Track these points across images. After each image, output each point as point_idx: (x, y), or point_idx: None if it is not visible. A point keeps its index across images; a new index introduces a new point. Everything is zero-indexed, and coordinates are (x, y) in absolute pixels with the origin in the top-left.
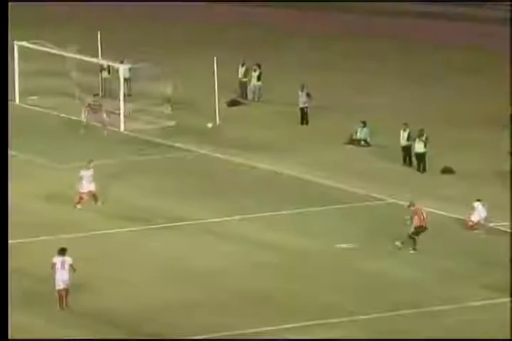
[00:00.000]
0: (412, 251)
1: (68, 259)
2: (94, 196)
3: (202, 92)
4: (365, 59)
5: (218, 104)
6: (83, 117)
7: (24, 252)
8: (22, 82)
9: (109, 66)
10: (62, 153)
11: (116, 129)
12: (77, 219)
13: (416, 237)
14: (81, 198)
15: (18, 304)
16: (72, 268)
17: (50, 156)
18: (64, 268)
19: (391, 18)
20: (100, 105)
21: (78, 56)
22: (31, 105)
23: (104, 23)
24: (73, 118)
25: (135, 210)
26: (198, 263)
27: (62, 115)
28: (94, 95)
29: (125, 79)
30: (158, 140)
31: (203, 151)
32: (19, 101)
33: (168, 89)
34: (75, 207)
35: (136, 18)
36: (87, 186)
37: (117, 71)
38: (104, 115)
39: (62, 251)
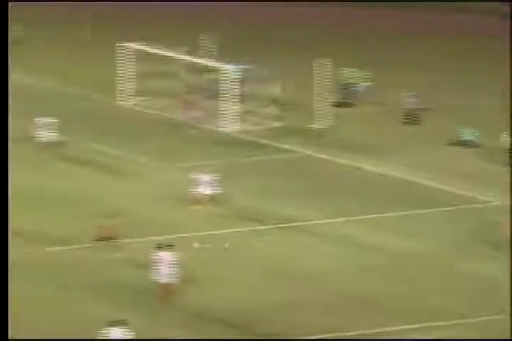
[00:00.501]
0: None
1: (171, 255)
2: (209, 199)
3: (308, 93)
4: (470, 59)
5: (324, 105)
6: (180, 115)
7: (134, 252)
8: (130, 83)
9: (217, 67)
10: (169, 154)
11: (223, 130)
12: (184, 220)
13: None
14: (196, 200)
15: (128, 303)
16: (175, 265)
17: (157, 156)
18: (167, 264)
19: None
20: (194, 103)
21: (187, 57)
22: (138, 106)
23: (212, 24)
24: (180, 119)
25: (241, 211)
26: (302, 263)
27: (170, 115)
28: (188, 93)
29: (233, 81)
30: (264, 141)
31: (308, 152)
32: (125, 102)
33: (275, 91)
34: (191, 208)
35: (245, 18)
36: (203, 188)
37: (225, 72)
38: (198, 113)
39: (166, 247)
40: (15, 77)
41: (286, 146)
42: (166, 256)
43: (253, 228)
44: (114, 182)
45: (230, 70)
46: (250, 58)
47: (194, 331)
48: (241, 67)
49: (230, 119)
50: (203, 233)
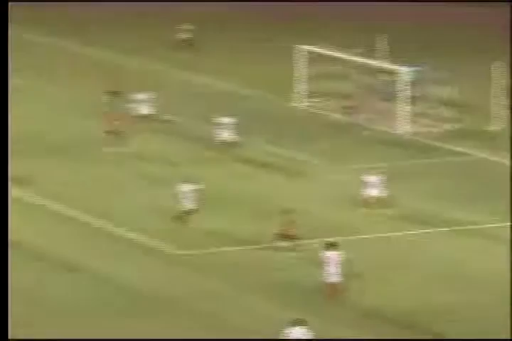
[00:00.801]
0: None
1: (339, 254)
2: (380, 201)
3: (484, 95)
4: None
5: (500, 107)
6: (352, 117)
7: (308, 252)
8: (304, 84)
9: (390, 69)
10: (341, 155)
11: (396, 132)
12: (355, 221)
13: None
14: (367, 201)
15: (298, 302)
16: (343, 263)
17: (329, 158)
18: (334, 262)
19: None
20: (356, 107)
21: (360, 59)
22: (315, 108)
23: (383, 25)
24: (352, 120)
25: (412, 213)
26: (477, 266)
27: (342, 117)
28: (348, 97)
29: (407, 82)
30: (437, 143)
31: (482, 155)
32: (303, 105)
33: (449, 92)
34: (361, 209)
35: (416, 19)
36: (372, 191)
37: (398, 74)
38: (371, 115)
39: (333, 246)
40: (189, 77)
41: (459, 149)
42: (333, 255)
43: (424, 230)
44: (287, 183)
45: (404, 72)
46: (424, 60)
47: (366, 331)
48: (415, 68)
49: (402, 121)
50: (375, 235)
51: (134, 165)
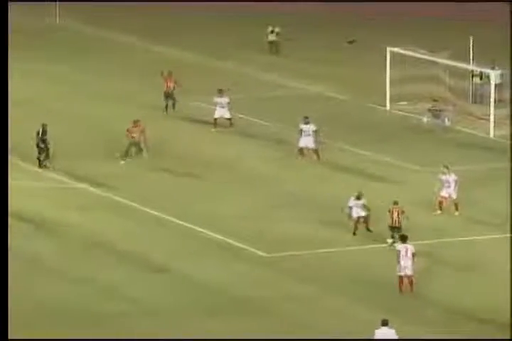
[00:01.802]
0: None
1: (411, 247)
2: (455, 204)
3: None
4: None
5: None
6: (424, 121)
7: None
8: (393, 87)
9: (481, 72)
10: (424, 158)
11: (484, 135)
12: (437, 225)
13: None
14: (440, 203)
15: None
16: (415, 257)
17: (412, 160)
18: (407, 255)
19: None
20: (441, 110)
21: (449, 62)
22: (401, 110)
23: (476, 28)
24: (437, 123)
25: (498, 217)
26: None
27: (428, 119)
28: (433, 100)
29: (496, 85)
30: None
31: None
32: (389, 107)
33: None
34: (435, 213)
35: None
36: (448, 191)
37: (488, 76)
38: (446, 119)
39: (404, 238)
40: (275, 80)
41: None
42: (404, 248)
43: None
44: (371, 185)
45: (494, 74)
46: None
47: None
48: (504, 71)
49: (491, 124)
50: (458, 238)
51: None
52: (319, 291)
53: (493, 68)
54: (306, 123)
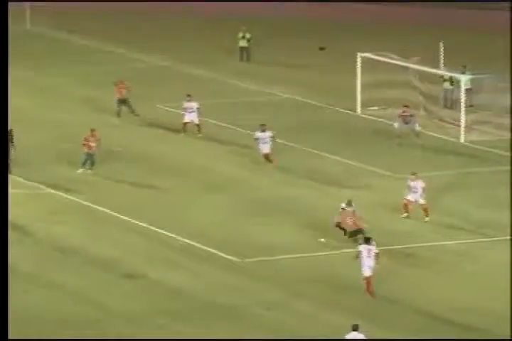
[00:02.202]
0: None
1: (373, 248)
2: (424, 209)
3: None
4: None
5: None
6: (395, 126)
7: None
8: (364, 93)
9: (451, 77)
10: (396, 163)
11: (454, 140)
12: (406, 230)
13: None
14: (405, 205)
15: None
16: (378, 257)
17: (384, 166)
18: (370, 256)
19: None
20: (412, 115)
21: (420, 67)
22: (371, 115)
23: (445, 33)
24: (408, 128)
25: (466, 222)
26: None
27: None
28: (404, 106)
29: (466, 90)
30: (496, 151)
31: None
32: (360, 112)
33: (509, 100)
34: (401, 216)
35: (478, 26)
36: (414, 197)
37: (459, 81)
38: (417, 125)
39: (368, 240)
40: (246, 86)
41: None
42: (367, 249)
43: (478, 240)
44: (339, 192)
45: (465, 80)
46: (487, 67)
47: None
48: (476, 76)
49: (463, 129)
50: (426, 244)
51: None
52: (290, 296)
53: (463, 73)
54: (263, 131)
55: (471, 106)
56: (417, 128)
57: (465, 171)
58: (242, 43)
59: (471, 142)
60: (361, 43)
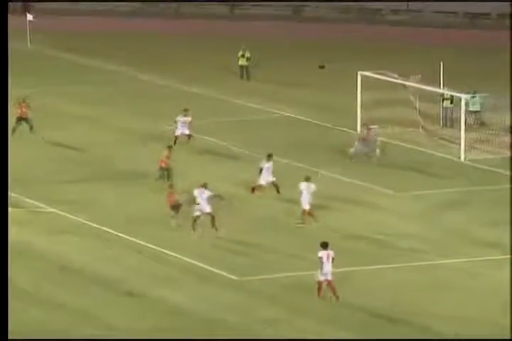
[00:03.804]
0: None
1: (332, 252)
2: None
3: None
4: None
5: None
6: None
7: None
8: (364, 111)
9: (451, 96)
10: (397, 182)
11: (455, 158)
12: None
13: None
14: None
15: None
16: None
17: (385, 184)
18: (329, 261)
19: None
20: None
21: (420, 86)
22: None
23: (442, 53)
24: (412, 147)
25: (467, 241)
26: None
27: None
28: (367, 128)
29: (468, 109)
30: (497, 170)
31: None
32: (360, 131)
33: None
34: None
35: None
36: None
37: (460, 100)
38: (378, 150)
39: (325, 245)
40: (245, 103)
41: None
42: (324, 255)
43: (482, 258)
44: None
45: (463, 98)
46: (489, 86)
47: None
48: (476, 95)
49: (464, 147)
50: (425, 262)
51: None
52: (290, 313)
53: (473, 96)
54: (269, 160)
55: (472, 124)
56: (378, 152)
57: (465, 190)
58: (242, 62)
59: (472, 161)
60: (360, 62)
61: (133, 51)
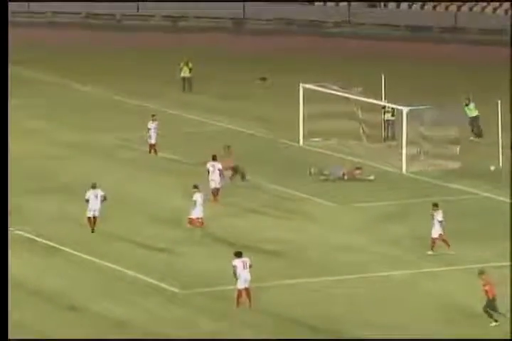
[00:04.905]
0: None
1: (248, 260)
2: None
3: (487, 134)
4: None
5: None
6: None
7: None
8: (306, 123)
9: (393, 108)
10: (340, 194)
11: (396, 171)
12: (350, 261)
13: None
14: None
15: None
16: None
17: (328, 197)
18: (245, 268)
19: None
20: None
21: (361, 98)
22: (314, 147)
23: (386, 65)
24: (354, 159)
25: (409, 252)
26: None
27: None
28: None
29: (409, 121)
30: (438, 182)
31: (485, 194)
32: (302, 143)
33: (452, 132)
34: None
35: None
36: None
37: (401, 113)
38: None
39: (239, 254)
40: (187, 116)
41: (461, 187)
42: (239, 263)
43: (418, 270)
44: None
45: (404, 111)
46: (429, 99)
47: None
48: (417, 107)
49: (404, 160)
50: (370, 274)
51: None
52: (231, 327)
53: (467, 104)
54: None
55: (414, 137)
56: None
57: (406, 202)
58: (184, 74)
59: (413, 173)
60: (302, 75)
61: (75, 63)
